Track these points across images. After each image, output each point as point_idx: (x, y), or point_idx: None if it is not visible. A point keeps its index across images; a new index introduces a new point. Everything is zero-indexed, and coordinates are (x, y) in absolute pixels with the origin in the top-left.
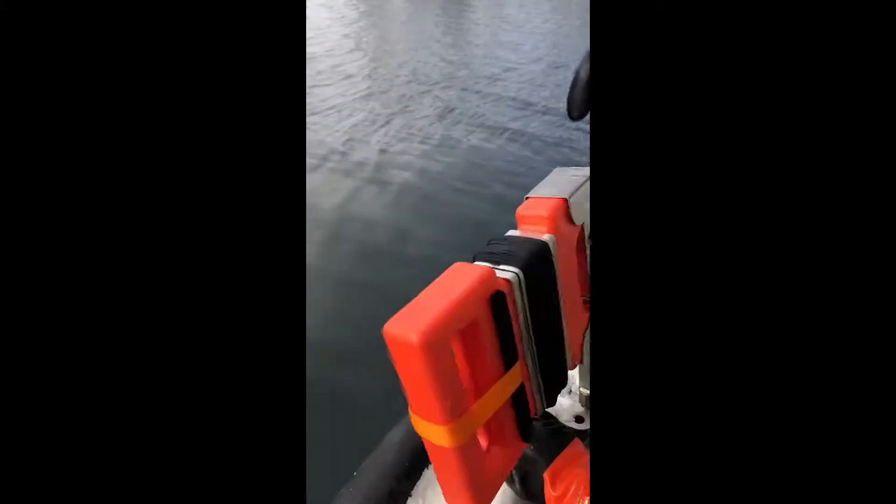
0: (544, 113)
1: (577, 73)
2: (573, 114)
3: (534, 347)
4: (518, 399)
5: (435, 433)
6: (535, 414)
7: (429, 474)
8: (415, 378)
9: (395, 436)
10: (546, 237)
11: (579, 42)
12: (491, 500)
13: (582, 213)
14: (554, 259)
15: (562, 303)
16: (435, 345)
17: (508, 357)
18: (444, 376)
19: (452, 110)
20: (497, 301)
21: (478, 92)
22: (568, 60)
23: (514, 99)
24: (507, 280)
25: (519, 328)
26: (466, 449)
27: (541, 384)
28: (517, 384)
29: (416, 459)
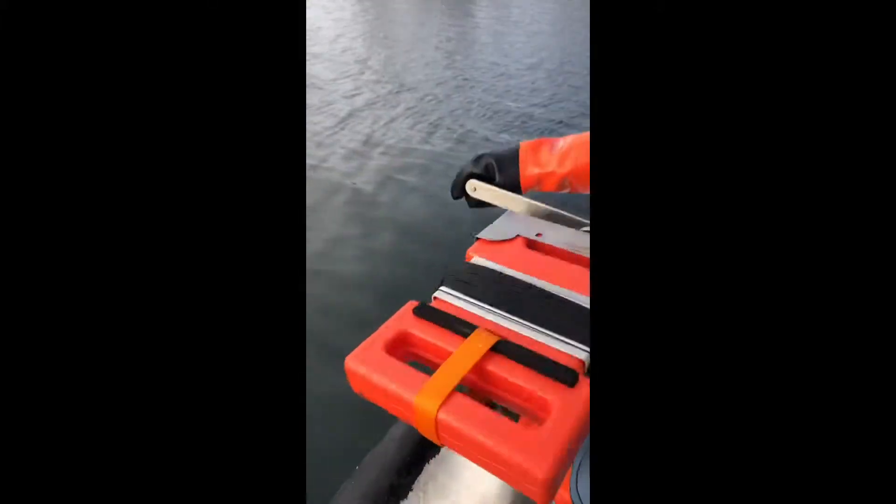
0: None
1: (462, 168)
2: (453, 194)
3: (505, 312)
4: (523, 357)
5: (417, 413)
6: (586, 370)
7: (430, 469)
8: (369, 388)
9: (396, 431)
10: (473, 260)
11: (568, 42)
12: (564, 459)
13: (503, 231)
14: (487, 265)
15: (534, 278)
16: (362, 357)
17: (464, 330)
18: (385, 371)
19: (432, 113)
20: (421, 309)
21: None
22: (546, 57)
23: (497, 104)
24: (435, 297)
25: (467, 312)
26: (458, 409)
27: (556, 335)
28: (488, 341)
29: (417, 454)
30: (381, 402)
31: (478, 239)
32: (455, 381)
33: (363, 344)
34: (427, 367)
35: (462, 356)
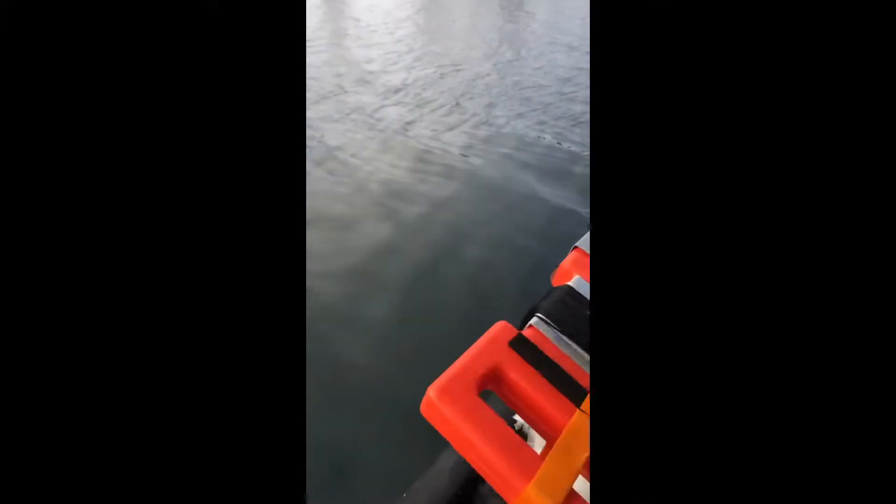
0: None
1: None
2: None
3: None
4: None
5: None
6: None
7: None
8: (461, 436)
9: (447, 460)
10: (571, 281)
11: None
12: None
13: None
14: (586, 292)
15: None
16: (452, 391)
17: (572, 392)
18: (484, 425)
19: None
20: (519, 343)
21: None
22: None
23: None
24: (531, 326)
25: (569, 360)
26: None
27: None
28: None
29: (469, 489)
30: (467, 454)
31: (575, 248)
32: (573, 478)
33: (450, 374)
34: (509, 406)
35: (576, 435)
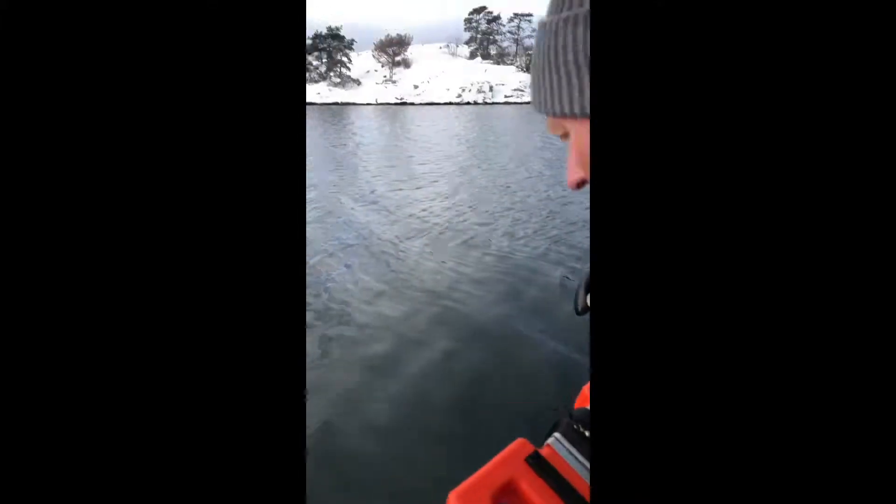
0: None
1: (581, 280)
2: (577, 310)
3: None
4: None
5: None
6: None
7: None
8: None
9: None
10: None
11: None
12: None
13: None
14: None
15: None
16: (470, 499)
17: None
18: None
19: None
20: (535, 459)
21: None
22: None
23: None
24: (548, 444)
25: (581, 480)
26: None
27: None
28: None
29: None
30: None
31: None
32: None
33: (469, 483)
34: None
35: None
